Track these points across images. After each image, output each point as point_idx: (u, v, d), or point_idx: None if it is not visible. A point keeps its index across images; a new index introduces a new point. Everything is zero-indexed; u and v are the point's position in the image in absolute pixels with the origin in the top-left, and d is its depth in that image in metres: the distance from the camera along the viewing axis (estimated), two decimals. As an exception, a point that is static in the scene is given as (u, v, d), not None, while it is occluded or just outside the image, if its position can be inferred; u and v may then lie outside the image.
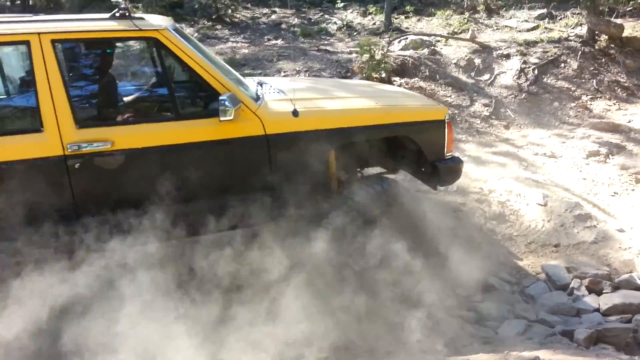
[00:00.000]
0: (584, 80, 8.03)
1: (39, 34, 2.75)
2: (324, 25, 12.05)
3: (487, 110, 7.52)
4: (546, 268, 4.23)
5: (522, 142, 6.65)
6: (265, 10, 14.02)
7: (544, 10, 10.82)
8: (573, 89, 7.88)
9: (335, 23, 12.12)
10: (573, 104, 7.60)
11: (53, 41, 2.78)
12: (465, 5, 11.65)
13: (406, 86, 7.77)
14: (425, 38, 9.40)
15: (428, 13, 11.90)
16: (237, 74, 3.76)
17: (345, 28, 11.47)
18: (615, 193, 5.57)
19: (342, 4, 12.71)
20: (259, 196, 3.13)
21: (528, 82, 7.96)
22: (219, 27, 12.32)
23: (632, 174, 5.84)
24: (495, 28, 10.34)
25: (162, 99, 3.29)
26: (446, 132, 3.65)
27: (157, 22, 3.05)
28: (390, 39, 9.66)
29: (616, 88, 7.96)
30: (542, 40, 8.90)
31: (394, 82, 7.81)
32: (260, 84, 3.78)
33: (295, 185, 3.10)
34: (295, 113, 3.14)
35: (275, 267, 3.05)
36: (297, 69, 8.53)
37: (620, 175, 5.86)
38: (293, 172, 3.12)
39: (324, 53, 9.52)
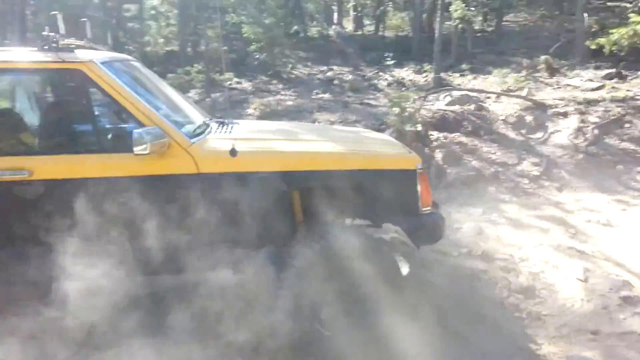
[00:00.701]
0: None
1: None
2: (375, 81, 11.83)
3: (537, 169, 6.70)
4: (573, 360, 3.35)
5: (575, 207, 5.76)
6: (324, 68, 14.14)
7: (613, 70, 9.93)
8: (638, 150, 6.90)
9: (386, 79, 11.87)
10: (639, 169, 6.62)
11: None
12: (524, 64, 11.00)
13: (444, 140, 7.19)
14: (473, 94, 8.83)
15: (485, 71, 11.37)
16: (192, 112, 3.51)
17: (395, 84, 11.16)
18: None
19: (394, 62, 12.45)
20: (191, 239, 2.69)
21: (587, 142, 7.08)
22: (274, 81, 12.48)
23: None
24: (556, 87, 9.58)
25: (85, 131, 3.03)
26: (418, 183, 3.08)
27: (85, 55, 2.87)
28: (437, 94, 9.19)
29: (692, 152, 6.88)
30: (604, 99, 8.03)
31: (431, 136, 7.26)
32: (223, 123, 3.46)
33: (239, 229, 2.63)
34: (233, 152, 2.73)
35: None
36: (332, 119, 8.21)
37: None
38: (235, 214, 2.66)
39: (365, 106, 9.18)
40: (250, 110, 9.39)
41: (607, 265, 4.43)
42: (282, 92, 11.22)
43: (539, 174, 6.59)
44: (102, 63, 2.84)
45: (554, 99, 8.42)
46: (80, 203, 2.54)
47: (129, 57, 3.80)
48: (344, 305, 2.96)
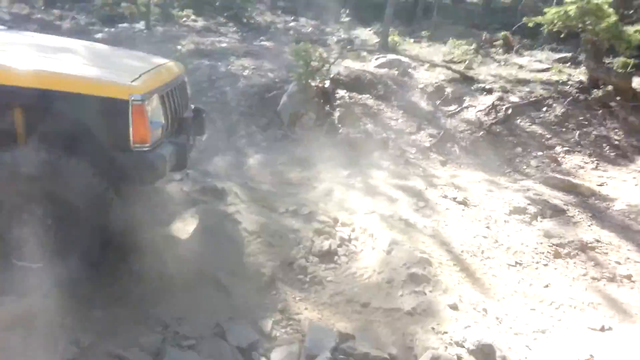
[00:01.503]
0: (565, 130, 6.61)
1: None
2: (327, 37, 11.33)
3: (430, 141, 6.35)
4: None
5: (443, 182, 5.41)
6: (290, 18, 13.61)
7: (569, 54, 9.37)
8: (548, 137, 6.48)
9: (340, 37, 11.35)
10: (540, 153, 6.21)
11: None
12: (483, 38, 10.44)
13: (349, 100, 6.81)
14: (407, 60, 8.36)
15: (443, 41, 10.79)
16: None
17: (344, 42, 10.65)
18: (517, 263, 4.26)
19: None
20: None
21: (495, 120, 6.68)
22: (230, 24, 12.01)
23: (553, 245, 4.49)
24: (503, 64, 9.06)
25: None
26: (130, 116, 2.71)
27: None
28: (375, 56, 8.73)
29: (604, 145, 6.44)
30: (535, 81, 7.56)
31: (337, 95, 6.87)
32: None
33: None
34: None
35: None
36: (246, 65, 7.80)
37: (539, 243, 4.52)
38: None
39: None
40: (179, 47, 8.99)
41: (424, 241, 4.15)
42: (229, 35, 10.76)
43: (429, 145, 6.23)
44: None
45: (489, 75, 7.96)
46: None
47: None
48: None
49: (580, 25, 6.89)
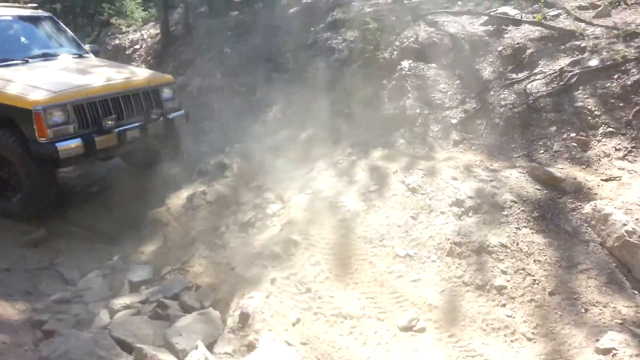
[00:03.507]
0: (623, 106, 5.36)
1: None
2: None
3: (460, 117, 6.27)
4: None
5: (422, 167, 5.55)
6: None
7: None
8: (597, 113, 5.44)
9: None
10: (573, 135, 5.41)
11: None
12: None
13: (408, 72, 7.10)
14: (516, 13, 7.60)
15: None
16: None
17: None
18: (407, 255, 4.59)
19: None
20: None
21: (549, 92, 5.96)
22: None
23: (452, 243, 4.54)
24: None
25: None
26: (34, 119, 5.07)
27: None
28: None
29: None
30: (648, 33, 6.04)
31: (400, 66, 7.20)
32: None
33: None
34: None
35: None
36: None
37: (445, 239, 4.59)
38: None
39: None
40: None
41: (328, 223, 4.84)
42: None
43: (455, 122, 6.21)
44: None
45: (605, 28, 6.66)
46: None
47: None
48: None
49: None
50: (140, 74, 6.60)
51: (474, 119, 6.18)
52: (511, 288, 4.09)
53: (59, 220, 5.72)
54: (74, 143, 5.36)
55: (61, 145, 5.25)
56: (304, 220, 4.95)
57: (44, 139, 5.17)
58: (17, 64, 6.14)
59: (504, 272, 4.22)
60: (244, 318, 3.94)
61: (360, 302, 4.20)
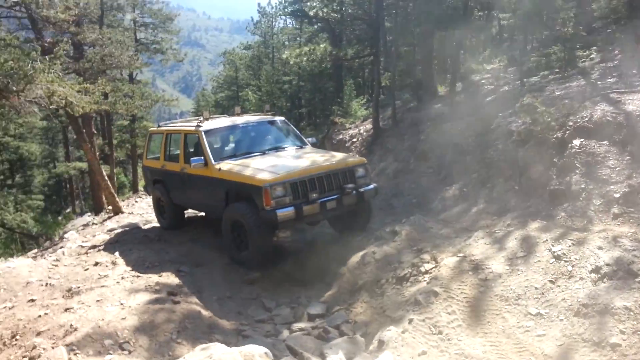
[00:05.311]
0: None
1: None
2: None
3: (624, 192, 6.29)
4: None
5: (573, 237, 5.77)
6: None
7: None
8: None
9: None
10: None
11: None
12: None
13: (578, 150, 7.39)
14: None
15: None
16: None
17: None
18: (539, 314, 5.00)
19: None
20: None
21: None
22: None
23: (581, 305, 4.76)
24: None
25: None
26: (263, 194, 6.86)
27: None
28: None
29: None
30: None
31: (571, 144, 7.53)
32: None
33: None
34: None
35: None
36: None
37: (571, 300, 4.86)
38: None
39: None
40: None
41: (464, 281, 5.60)
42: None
43: (618, 197, 6.26)
44: (205, 131, 8.27)
45: None
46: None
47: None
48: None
49: None
50: (339, 157, 8.40)
51: (638, 192, 6.16)
52: (625, 346, 4.19)
53: (271, 268, 7.61)
54: (289, 210, 7.21)
55: (280, 212, 7.14)
56: (448, 277, 5.77)
57: (268, 207, 7.15)
58: (256, 155, 8.57)
59: (622, 332, 4.34)
60: (380, 344, 4.97)
61: (484, 348, 4.81)
